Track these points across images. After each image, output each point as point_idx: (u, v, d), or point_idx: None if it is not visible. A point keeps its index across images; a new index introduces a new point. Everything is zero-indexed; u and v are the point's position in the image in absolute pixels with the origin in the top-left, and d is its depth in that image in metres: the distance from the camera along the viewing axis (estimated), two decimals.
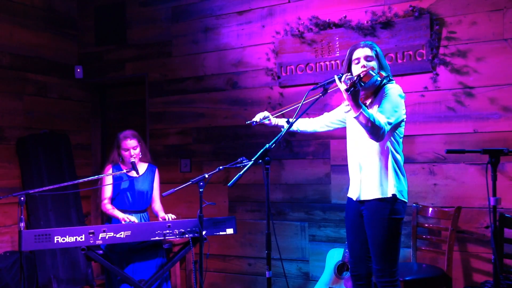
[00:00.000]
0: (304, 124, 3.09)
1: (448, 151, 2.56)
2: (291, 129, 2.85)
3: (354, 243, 2.85)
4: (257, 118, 2.97)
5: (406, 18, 3.70)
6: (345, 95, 2.52)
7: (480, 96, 3.54)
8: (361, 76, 2.55)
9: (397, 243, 2.70)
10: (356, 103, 2.49)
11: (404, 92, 2.77)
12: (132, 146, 3.63)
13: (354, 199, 2.80)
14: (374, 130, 2.53)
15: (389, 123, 2.60)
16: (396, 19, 3.74)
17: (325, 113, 3.12)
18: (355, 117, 2.54)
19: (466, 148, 3.44)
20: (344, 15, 3.94)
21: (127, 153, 3.63)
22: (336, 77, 2.60)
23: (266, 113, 2.99)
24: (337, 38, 3.98)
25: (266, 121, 2.98)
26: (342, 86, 2.52)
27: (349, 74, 2.65)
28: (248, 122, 2.99)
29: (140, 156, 3.71)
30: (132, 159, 3.59)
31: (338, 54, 3.97)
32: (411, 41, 3.69)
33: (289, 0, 4.22)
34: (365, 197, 2.74)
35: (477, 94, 3.55)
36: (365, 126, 2.54)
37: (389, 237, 2.67)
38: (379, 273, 2.69)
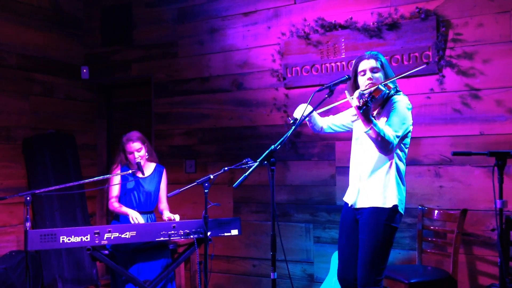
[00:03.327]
0: (317, 118, 2.99)
1: (454, 153, 2.55)
2: (307, 119, 2.83)
3: (345, 247, 2.82)
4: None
5: (412, 19, 3.69)
6: (355, 111, 2.51)
7: (487, 98, 3.52)
8: (372, 92, 2.53)
9: (387, 252, 2.67)
10: (367, 119, 2.49)
11: (409, 94, 2.77)
12: (136, 149, 3.63)
13: (349, 204, 2.79)
14: (384, 144, 2.53)
15: (397, 137, 2.59)
16: (402, 20, 3.73)
17: (330, 116, 3.10)
18: (365, 132, 2.53)
19: (472, 150, 3.42)
20: (350, 17, 3.93)
21: (131, 155, 3.64)
22: (346, 93, 2.62)
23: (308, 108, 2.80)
24: (343, 40, 3.97)
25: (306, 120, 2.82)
26: (354, 102, 2.51)
27: (361, 90, 2.60)
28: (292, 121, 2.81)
29: (147, 157, 3.72)
30: (138, 160, 3.60)
31: (343, 56, 3.96)
32: (417, 43, 3.68)
33: (295, 1, 4.22)
34: (362, 205, 2.72)
35: (484, 96, 3.53)
36: (375, 141, 2.54)
37: (381, 244, 2.64)
38: (364, 280, 2.64)
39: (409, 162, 2.85)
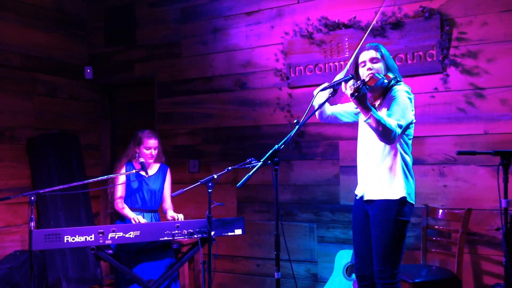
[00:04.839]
0: (327, 106, 2.93)
1: (459, 153, 2.54)
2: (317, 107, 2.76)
3: (360, 243, 2.84)
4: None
5: (416, 18, 3.68)
6: (351, 100, 2.51)
7: (491, 97, 3.51)
8: (366, 80, 2.55)
9: (401, 245, 2.68)
10: (365, 107, 2.48)
11: (414, 93, 2.76)
12: (154, 146, 3.67)
13: (359, 196, 2.81)
14: (385, 133, 2.51)
15: (400, 126, 2.58)
16: (406, 19, 3.72)
17: (338, 104, 3.04)
18: (365, 121, 2.52)
19: (476, 149, 3.41)
20: (353, 16, 3.92)
21: (148, 152, 3.65)
22: (343, 83, 2.60)
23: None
24: (346, 39, 3.96)
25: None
26: (348, 92, 2.52)
27: (354, 80, 2.63)
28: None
29: (156, 157, 3.75)
30: (141, 160, 3.61)
31: (347, 55, 3.95)
32: (421, 42, 3.67)
33: (298, 0, 4.21)
34: (371, 197, 2.73)
35: (488, 95, 3.52)
36: (375, 130, 2.52)
37: (394, 238, 2.65)
38: (380, 274, 2.67)
39: (414, 162, 2.84)
